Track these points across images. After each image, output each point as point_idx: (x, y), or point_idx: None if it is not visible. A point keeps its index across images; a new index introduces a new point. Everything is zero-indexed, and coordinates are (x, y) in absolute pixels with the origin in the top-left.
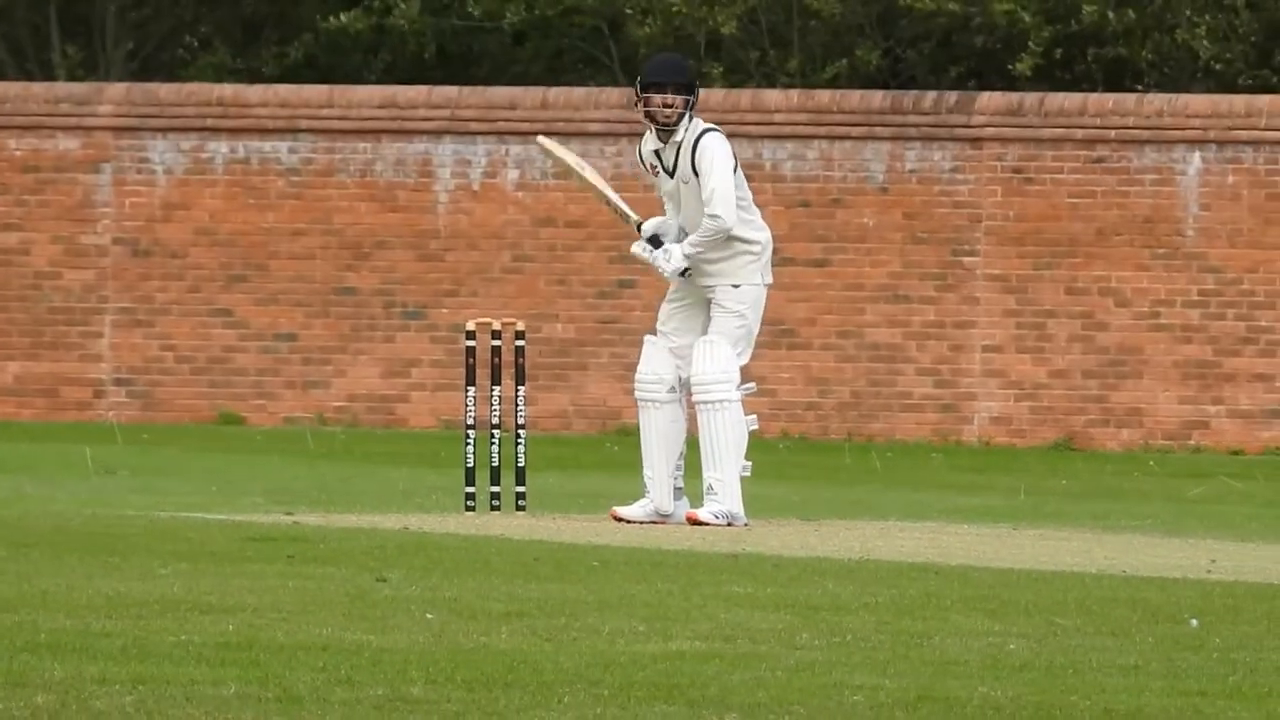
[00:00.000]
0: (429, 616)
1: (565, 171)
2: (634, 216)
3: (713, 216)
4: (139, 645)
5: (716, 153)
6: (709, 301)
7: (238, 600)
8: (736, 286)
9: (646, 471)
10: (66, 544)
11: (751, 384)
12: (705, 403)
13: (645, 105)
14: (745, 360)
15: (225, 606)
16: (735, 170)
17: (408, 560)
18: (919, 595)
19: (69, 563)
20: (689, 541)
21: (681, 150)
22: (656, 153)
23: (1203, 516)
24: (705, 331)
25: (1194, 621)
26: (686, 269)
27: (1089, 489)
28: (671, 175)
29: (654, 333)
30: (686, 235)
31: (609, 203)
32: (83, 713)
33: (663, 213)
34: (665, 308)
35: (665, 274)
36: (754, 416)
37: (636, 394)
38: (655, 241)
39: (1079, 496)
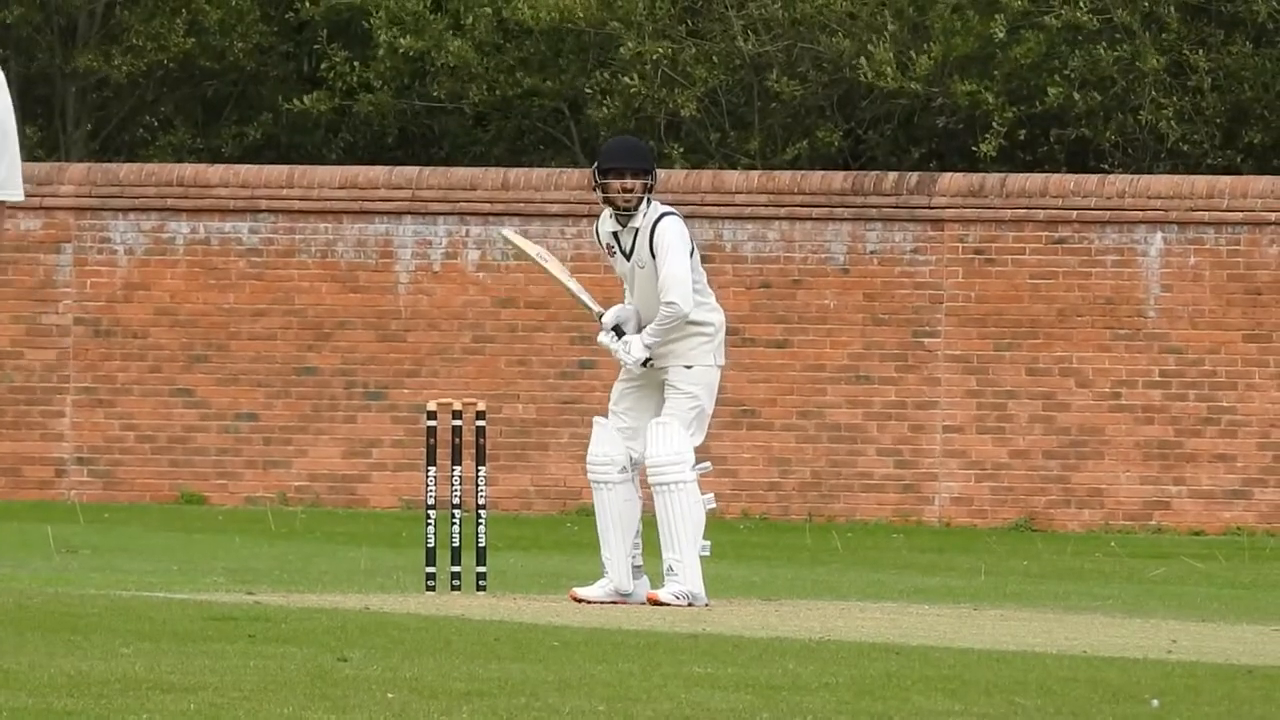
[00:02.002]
0: (390, 696)
1: (528, 262)
2: (596, 308)
3: (668, 304)
4: None
5: (673, 238)
6: (662, 383)
7: (199, 679)
8: (689, 368)
9: (604, 552)
10: (28, 622)
11: (707, 463)
12: (660, 484)
13: (604, 191)
14: (699, 441)
15: (187, 685)
16: (692, 254)
17: (369, 640)
18: (879, 675)
19: (31, 641)
20: (649, 622)
21: (639, 234)
22: (615, 234)
23: (1164, 597)
24: (658, 412)
25: (1155, 702)
26: (649, 359)
27: (1050, 569)
28: (628, 258)
29: (605, 414)
30: (643, 319)
31: (571, 293)
32: None
33: (622, 292)
34: (618, 387)
35: (628, 365)
36: (711, 495)
37: (589, 476)
38: (619, 331)
39: (1040, 577)
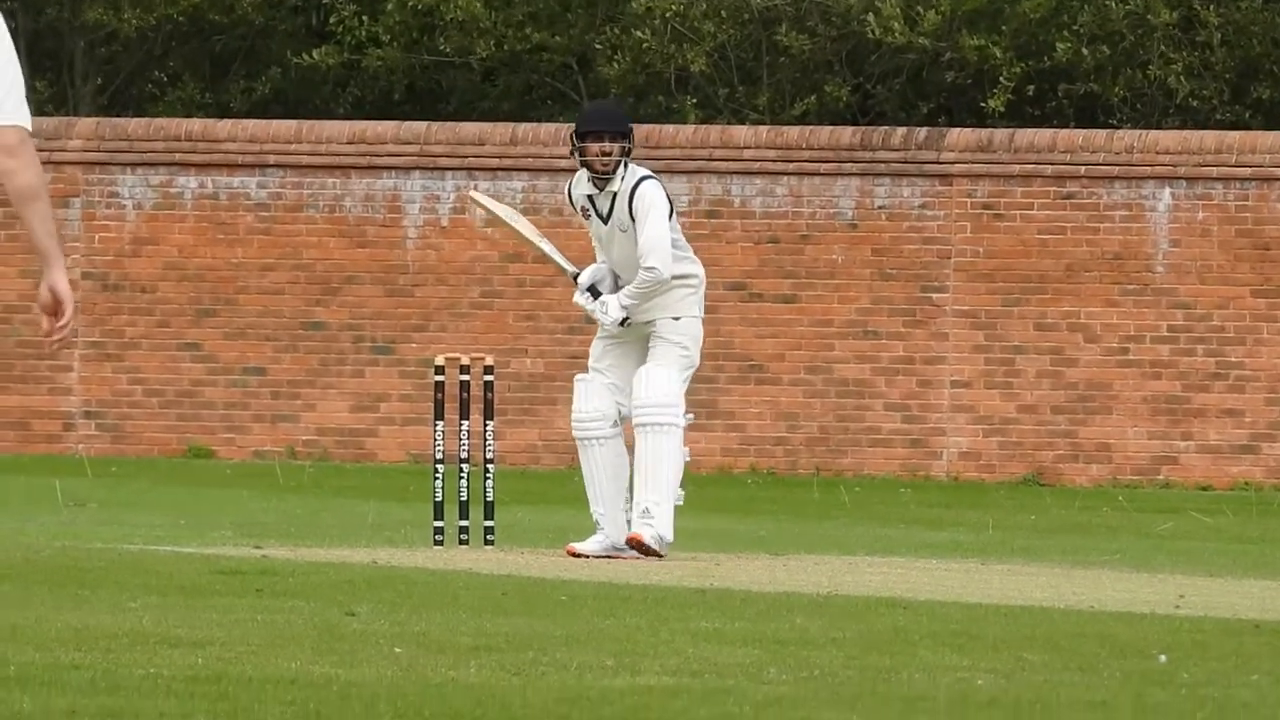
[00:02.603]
0: (397, 650)
1: (498, 223)
2: (570, 268)
3: (648, 268)
4: (108, 678)
5: (654, 202)
6: (644, 337)
7: (206, 634)
8: (677, 319)
9: (596, 508)
10: (35, 577)
11: (691, 414)
12: (648, 425)
13: (582, 154)
14: (683, 390)
15: (194, 640)
16: (671, 215)
17: (376, 594)
18: (887, 630)
19: (38, 595)
20: (657, 576)
21: (618, 198)
22: (590, 197)
23: (1171, 552)
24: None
25: (1162, 657)
26: (626, 318)
27: (1057, 524)
28: (606, 221)
29: (585, 371)
30: (619, 280)
31: (545, 255)
32: None
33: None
34: (598, 344)
35: (605, 324)
36: (688, 449)
37: (578, 433)
38: (595, 291)
39: (1047, 531)
